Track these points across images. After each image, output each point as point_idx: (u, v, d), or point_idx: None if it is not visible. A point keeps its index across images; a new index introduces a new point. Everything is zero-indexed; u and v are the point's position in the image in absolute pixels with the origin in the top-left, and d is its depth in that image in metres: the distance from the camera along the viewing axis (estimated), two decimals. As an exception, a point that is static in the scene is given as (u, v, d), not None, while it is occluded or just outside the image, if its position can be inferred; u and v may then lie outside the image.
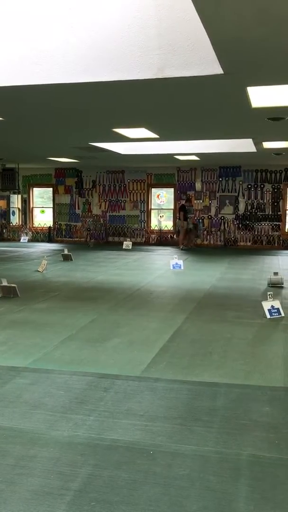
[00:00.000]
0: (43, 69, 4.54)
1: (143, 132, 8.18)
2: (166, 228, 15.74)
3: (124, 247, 14.03)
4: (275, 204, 14.72)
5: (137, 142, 9.66)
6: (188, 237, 14.50)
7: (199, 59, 4.19)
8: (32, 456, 2.67)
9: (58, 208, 16.70)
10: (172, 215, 15.77)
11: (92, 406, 3.33)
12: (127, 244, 14.15)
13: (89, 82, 4.64)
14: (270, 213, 14.77)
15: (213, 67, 4.25)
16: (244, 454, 2.70)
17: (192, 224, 14.67)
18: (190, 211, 14.48)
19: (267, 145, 9.78)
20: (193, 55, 4.17)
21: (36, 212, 17.29)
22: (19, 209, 17.20)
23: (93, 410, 3.26)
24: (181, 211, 14.28)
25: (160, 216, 15.85)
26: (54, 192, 16.70)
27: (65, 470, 2.53)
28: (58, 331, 5.18)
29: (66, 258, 11.26)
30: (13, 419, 3.12)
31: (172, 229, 15.67)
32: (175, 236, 15.10)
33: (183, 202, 14.70)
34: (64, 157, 12.97)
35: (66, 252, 11.44)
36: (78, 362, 4.23)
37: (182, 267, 9.82)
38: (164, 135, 8.73)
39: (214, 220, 15.18)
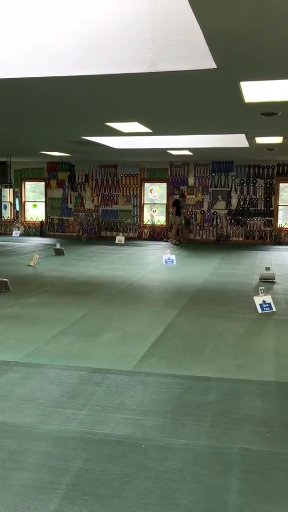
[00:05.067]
0: (35, 62, 4.50)
1: (136, 127, 8.14)
2: (159, 223, 15.73)
3: (116, 241, 14.01)
4: (267, 199, 14.75)
5: (130, 136, 9.62)
6: (181, 232, 14.50)
7: (192, 53, 4.17)
8: (24, 450, 2.67)
9: (50, 202, 16.63)
10: (165, 210, 15.76)
11: (84, 400, 3.33)
12: (120, 238, 14.12)
13: (82, 76, 4.61)
14: (262, 208, 14.80)
15: (207, 61, 4.23)
16: (235, 448, 2.72)
17: (185, 219, 14.67)
18: (183, 206, 14.47)
19: (259, 140, 9.79)
20: (186, 49, 4.14)
21: (28, 206, 17.20)
22: (11, 203, 17.10)
23: (85, 404, 3.27)
24: (174, 206, 14.27)
25: (153, 211, 15.83)
26: (46, 186, 16.62)
27: (57, 464, 2.54)
28: (50, 326, 5.17)
29: (58, 252, 11.22)
30: (5, 413, 3.12)
31: (164, 224, 15.66)
32: (168, 231, 15.07)
33: (176, 197, 14.69)
34: (57, 151, 12.90)
35: (58, 246, 11.40)
36: (70, 357, 4.22)
37: (174, 262, 9.83)
38: (157, 130, 8.70)
39: (206, 215, 15.19)
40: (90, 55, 4.33)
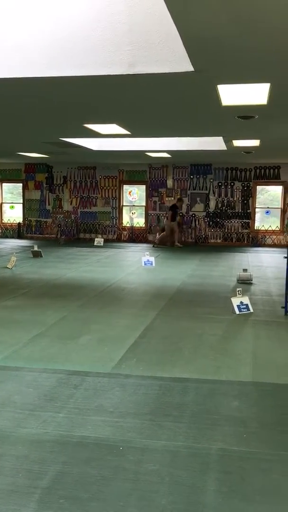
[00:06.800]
0: (10, 63, 4.46)
1: (114, 128, 8.14)
2: (138, 225, 15.73)
3: (95, 243, 13.96)
4: (245, 202, 14.91)
5: (108, 138, 9.62)
6: (171, 236, 14.29)
7: (170, 55, 4.19)
8: (0, 454, 2.63)
9: (28, 204, 16.47)
10: (144, 212, 15.77)
11: (62, 403, 3.30)
12: (99, 240, 14.08)
13: (59, 77, 4.58)
14: (240, 211, 14.95)
15: (184, 64, 4.26)
16: (213, 449, 2.74)
17: (178, 223, 14.44)
18: (178, 212, 14.37)
19: (237, 143, 9.89)
20: (164, 51, 4.16)
21: (6, 207, 17.01)
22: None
23: (63, 407, 3.24)
24: (171, 210, 14.16)
25: (132, 213, 15.83)
26: (24, 188, 16.46)
27: (34, 468, 2.51)
28: (27, 329, 5.11)
29: (36, 254, 11.12)
30: (-19, 418, 3.07)
31: (144, 226, 15.66)
32: (157, 234, 14.84)
33: (174, 201, 14.59)
34: (35, 152, 12.80)
35: (36, 248, 11.29)
36: (48, 360, 4.19)
37: (153, 264, 9.84)
38: (136, 132, 8.71)
39: (185, 218, 15.27)
40: (68, 56, 4.32)
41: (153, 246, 13.94)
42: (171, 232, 14.14)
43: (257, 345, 4.72)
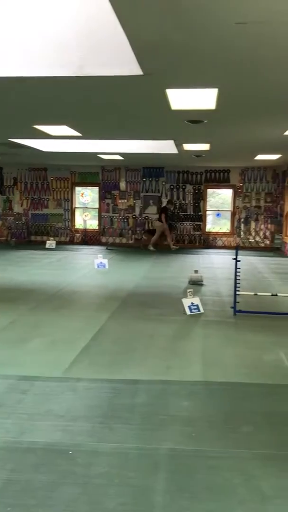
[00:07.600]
0: None
1: (65, 130, 8.06)
2: (91, 227, 15.65)
3: (47, 246, 13.74)
4: (196, 204, 15.15)
5: (59, 139, 9.51)
6: (160, 238, 14.26)
7: (119, 58, 4.20)
8: None
9: (-23, 206, 16.01)
10: (97, 214, 15.70)
11: (10, 409, 3.23)
12: (50, 243, 13.87)
13: (6, 77, 4.50)
14: (192, 213, 15.19)
15: (133, 68, 4.28)
16: (162, 449, 2.76)
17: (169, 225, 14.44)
18: (170, 213, 14.35)
19: (187, 147, 10.04)
20: (114, 54, 4.17)
21: None
22: None
23: (11, 413, 3.17)
24: (163, 213, 14.10)
25: (85, 215, 15.72)
26: (-28, 189, 15.99)
27: (-21, 477, 2.44)
28: (-25, 334, 4.97)
29: (-14, 258, 10.83)
30: None
31: (97, 228, 15.60)
32: (143, 236, 14.81)
33: (164, 203, 14.57)
34: (-17, 153, 12.46)
35: (-15, 251, 11.00)
36: (-4, 365, 4.09)
37: (106, 267, 9.82)
38: (87, 134, 8.67)
39: (138, 220, 15.34)
40: (15, 57, 4.24)
41: (106, 248, 13.91)
42: (162, 233, 14.10)
43: (207, 345, 4.80)
